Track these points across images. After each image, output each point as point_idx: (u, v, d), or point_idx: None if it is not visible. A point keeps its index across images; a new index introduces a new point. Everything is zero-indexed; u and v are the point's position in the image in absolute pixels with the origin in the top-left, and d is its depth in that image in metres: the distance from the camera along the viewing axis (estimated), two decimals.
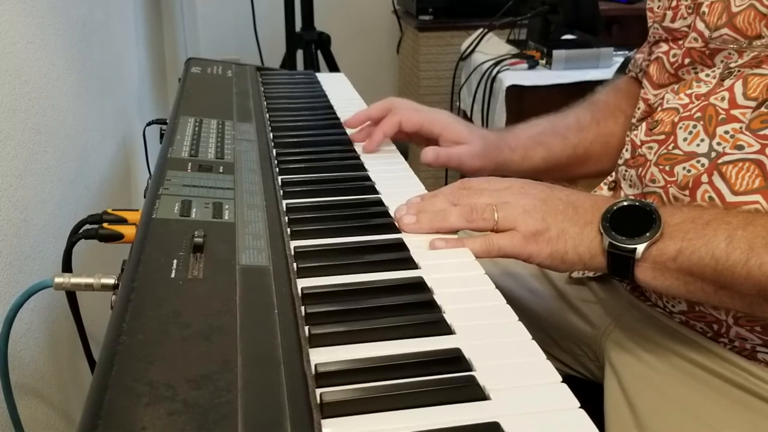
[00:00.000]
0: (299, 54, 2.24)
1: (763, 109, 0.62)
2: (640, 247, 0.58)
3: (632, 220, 0.60)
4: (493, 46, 2.07)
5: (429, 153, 0.86)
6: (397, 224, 0.67)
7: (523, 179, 0.68)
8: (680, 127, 0.69)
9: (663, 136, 0.71)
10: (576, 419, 0.43)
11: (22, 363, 0.77)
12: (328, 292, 0.55)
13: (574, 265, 0.63)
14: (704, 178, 0.64)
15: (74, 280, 0.57)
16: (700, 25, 0.70)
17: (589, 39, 1.94)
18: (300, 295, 0.54)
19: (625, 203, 0.61)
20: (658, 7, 0.79)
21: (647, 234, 0.59)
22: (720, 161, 0.63)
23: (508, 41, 2.16)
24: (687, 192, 0.66)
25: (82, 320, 0.73)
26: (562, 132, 0.91)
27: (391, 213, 0.70)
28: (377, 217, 0.69)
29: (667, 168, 0.68)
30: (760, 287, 0.55)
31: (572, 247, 0.62)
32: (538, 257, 0.63)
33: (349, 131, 0.93)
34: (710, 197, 0.64)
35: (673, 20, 0.76)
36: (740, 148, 0.63)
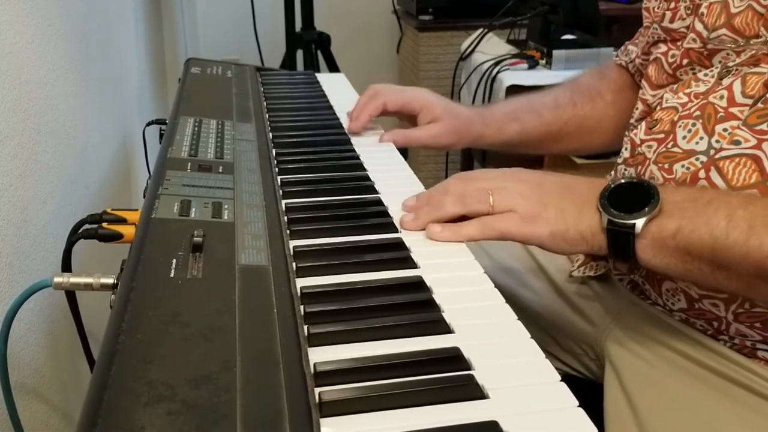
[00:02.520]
0: (299, 54, 2.24)
1: (759, 104, 0.63)
2: (639, 222, 0.58)
3: (631, 198, 0.59)
4: (493, 46, 2.07)
5: (386, 138, 0.93)
6: (397, 224, 0.68)
7: (516, 168, 0.69)
8: (679, 126, 0.69)
9: (662, 135, 0.71)
10: (574, 418, 0.43)
11: (22, 363, 0.77)
12: (327, 291, 0.55)
13: (576, 243, 0.62)
14: (701, 173, 0.64)
15: (73, 279, 0.57)
16: (699, 26, 0.70)
17: (589, 39, 1.94)
18: (299, 294, 0.54)
19: (623, 181, 0.61)
20: (657, 8, 0.79)
21: (646, 209, 0.58)
22: (717, 156, 0.64)
23: (508, 41, 2.15)
24: None
25: (82, 320, 0.73)
26: (538, 109, 0.95)
27: (391, 213, 0.70)
28: (376, 216, 0.69)
29: (666, 166, 0.69)
30: (759, 267, 0.54)
31: (573, 225, 0.61)
32: (539, 237, 0.62)
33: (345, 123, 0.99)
34: None
35: (671, 21, 0.76)
36: (737, 143, 0.63)
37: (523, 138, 0.95)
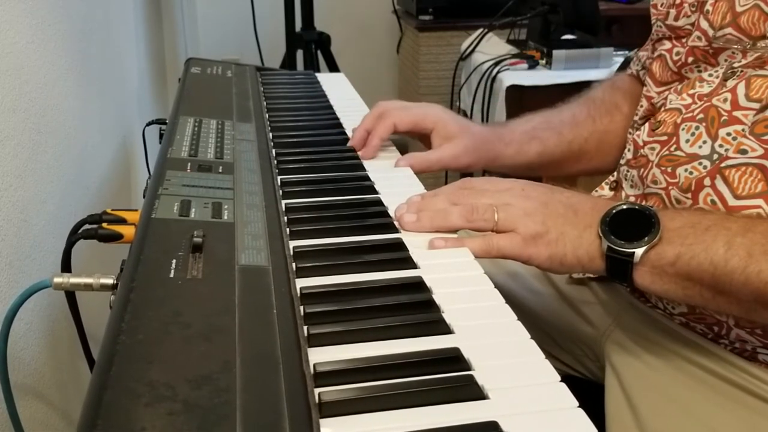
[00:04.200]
0: (299, 54, 2.24)
1: (767, 113, 0.62)
2: (639, 251, 0.58)
3: (631, 224, 0.60)
4: (493, 46, 2.07)
5: (401, 163, 0.85)
6: (396, 223, 0.67)
7: (524, 180, 0.68)
8: (683, 129, 0.69)
9: (665, 137, 0.71)
10: (574, 419, 0.43)
11: (22, 363, 0.77)
12: (327, 291, 0.55)
13: (572, 267, 0.63)
14: (707, 181, 0.64)
15: (73, 280, 0.57)
16: (704, 24, 0.70)
17: (589, 39, 1.94)
18: (299, 294, 0.54)
19: (625, 207, 0.61)
20: (662, 5, 0.79)
21: (646, 238, 0.58)
22: (723, 165, 0.63)
23: (508, 41, 2.16)
24: (689, 195, 0.66)
25: (82, 320, 0.73)
26: (556, 127, 0.91)
27: (391, 213, 0.70)
28: (376, 216, 0.69)
29: (669, 169, 0.68)
30: (758, 294, 0.55)
31: (571, 250, 0.62)
32: (537, 259, 0.63)
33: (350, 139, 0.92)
34: (712, 200, 0.64)
35: (676, 18, 0.75)
36: (744, 152, 0.62)
37: (544, 158, 0.90)
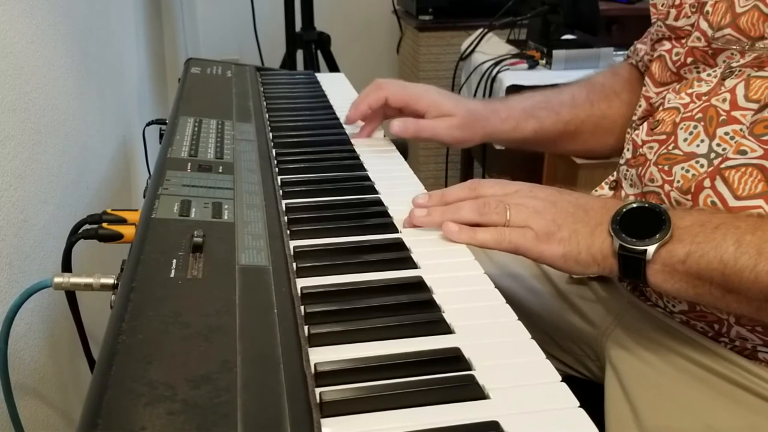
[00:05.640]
0: (299, 54, 2.24)
1: (766, 113, 0.62)
2: (651, 249, 0.58)
3: (642, 222, 0.60)
4: (493, 46, 2.07)
5: (395, 124, 0.88)
6: (397, 224, 0.67)
7: (531, 184, 0.69)
8: (681, 128, 0.69)
9: (664, 136, 0.71)
10: (575, 418, 0.43)
11: (22, 363, 0.77)
12: (327, 291, 0.55)
13: (588, 266, 0.63)
14: (707, 182, 0.64)
15: (74, 279, 0.57)
16: (704, 25, 0.70)
17: (589, 39, 1.94)
18: (299, 294, 0.54)
19: (635, 205, 0.61)
20: (662, 5, 0.79)
21: (657, 236, 0.58)
22: (723, 166, 0.63)
23: (508, 41, 2.16)
24: (689, 196, 0.66)
25: (82, 320, 0.73)
26: (555, 107, 0.93)
27: (391, 213, 0.70)
28: (376, 216, 0.69)
29: (665, 168, 0.68)
30: None
31: (585, 248, 0.62)
32: (551, 257, 0.63)
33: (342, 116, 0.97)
34: (712, 202, 0.64)
35: (676, 18, 0.76)
36: (743, 153, 0.62)
37: (539, 136, 0.93)
